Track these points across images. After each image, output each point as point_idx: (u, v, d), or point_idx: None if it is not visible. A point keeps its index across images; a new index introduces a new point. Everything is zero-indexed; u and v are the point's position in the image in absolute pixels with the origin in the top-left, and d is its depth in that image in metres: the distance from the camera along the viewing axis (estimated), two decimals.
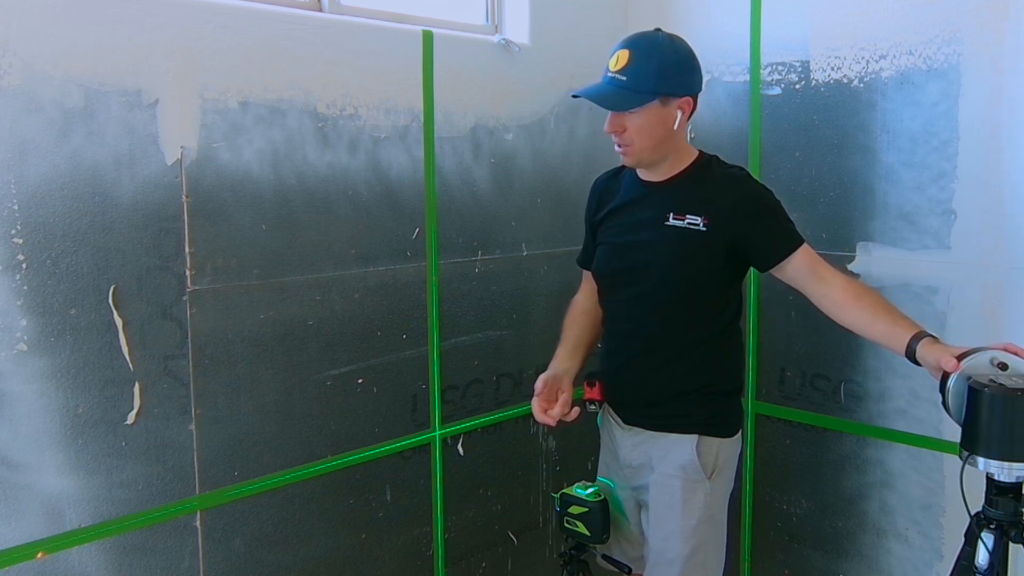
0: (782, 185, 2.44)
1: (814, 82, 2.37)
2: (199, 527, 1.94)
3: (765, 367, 2.56)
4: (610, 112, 1.79)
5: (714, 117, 2.59)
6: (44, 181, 1.66)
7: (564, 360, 1.98)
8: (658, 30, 1.81)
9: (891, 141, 2.22)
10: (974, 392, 1.42)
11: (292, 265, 2.05)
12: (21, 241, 1.64)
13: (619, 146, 1.82)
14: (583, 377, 2.00)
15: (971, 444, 1.43)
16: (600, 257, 1.97)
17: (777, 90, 2.45)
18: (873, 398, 2.33)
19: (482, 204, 2.46)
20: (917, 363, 1.60)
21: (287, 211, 2.03)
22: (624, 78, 1.74)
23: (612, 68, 1.77)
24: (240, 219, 1.95)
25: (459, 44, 2.37)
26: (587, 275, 2.10)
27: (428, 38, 2.28)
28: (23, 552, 1.68)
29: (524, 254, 2.59)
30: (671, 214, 1.81)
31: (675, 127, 1.77)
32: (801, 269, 1.79)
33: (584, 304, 2.09)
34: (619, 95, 1.75)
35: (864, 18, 2.25)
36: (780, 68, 2.43)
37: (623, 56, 1.75)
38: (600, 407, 2.00)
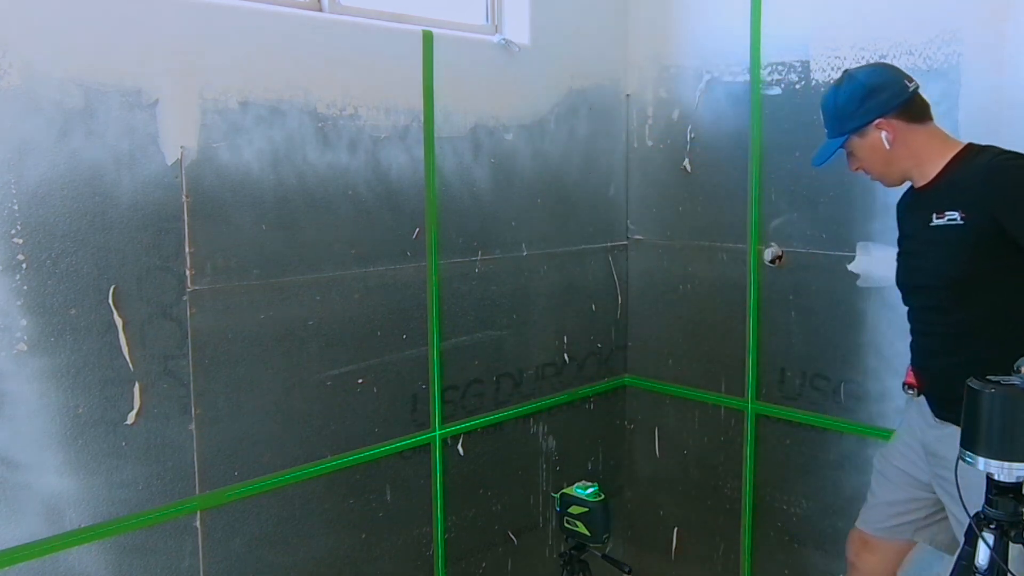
0: (782, 185, 2.44)
1: (814, 82, 2.36)
2: (199, 527, 1.94)
3: (765, 367, 2.55)
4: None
5: (714, 117, 2.59)
6: (44, 181, 1.65)
7: None
8: (845, 73, 1.94)
9: None
10: (974, 392, 1.42)
11: (292, 265, 2.05)
12: (21, 241, 1.64)
13: (869, 176, 2.02)
14: None
15: (971, 444, 1.43)
16: (896, 270, 2.06)
17: (777, 90, 2.45)
18: (873, 398, 2.33)
19: (482, 204, 2.46)
20: None
21: (287, 211, 2.03)
22: (826, 130, 2.00)
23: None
24: (240, 219, 1.95)
25: (459, 44, 2.37)
26: None
27: (428, 38, 2.27)
28: (23, 552, 1.68)
29: (524, 254, 2.59)
30: (934, 214, 1.86)
31: (887, 146, 1.88)
32: None
33: None
34: (821, 149, 2.01)
35: (864, 18, 2.25)
36: (780, 68, 2.43)
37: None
38: (916, 393, 2.02)
